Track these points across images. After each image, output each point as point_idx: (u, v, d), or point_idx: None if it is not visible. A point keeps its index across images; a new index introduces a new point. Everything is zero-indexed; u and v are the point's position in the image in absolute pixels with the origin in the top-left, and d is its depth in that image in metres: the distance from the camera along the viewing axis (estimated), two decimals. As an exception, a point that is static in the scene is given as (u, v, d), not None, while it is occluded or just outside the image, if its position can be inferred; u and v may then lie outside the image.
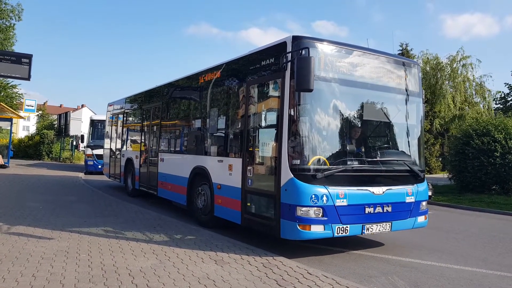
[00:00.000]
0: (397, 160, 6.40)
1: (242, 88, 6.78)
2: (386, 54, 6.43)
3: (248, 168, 6.31)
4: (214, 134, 7.72)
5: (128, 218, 7.99)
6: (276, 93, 5.84)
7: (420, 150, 6.81)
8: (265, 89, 6.23)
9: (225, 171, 6.93)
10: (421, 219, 6.51)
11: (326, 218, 5.44)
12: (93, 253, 5.31)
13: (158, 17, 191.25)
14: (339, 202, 5.53)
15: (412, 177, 6.44)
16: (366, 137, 6.39)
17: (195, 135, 8.53)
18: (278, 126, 5.72)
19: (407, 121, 6.57)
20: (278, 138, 5.68)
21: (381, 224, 5.94)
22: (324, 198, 5.43)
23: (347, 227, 5.61)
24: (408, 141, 6.64)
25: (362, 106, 6.11)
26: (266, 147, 6.00)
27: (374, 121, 6.49)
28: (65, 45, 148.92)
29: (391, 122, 6.50)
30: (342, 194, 5.56)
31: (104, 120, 16.83)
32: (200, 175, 7.99)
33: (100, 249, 5.52)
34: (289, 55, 5.58)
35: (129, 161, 12.23)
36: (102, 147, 16.50)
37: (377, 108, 6.35)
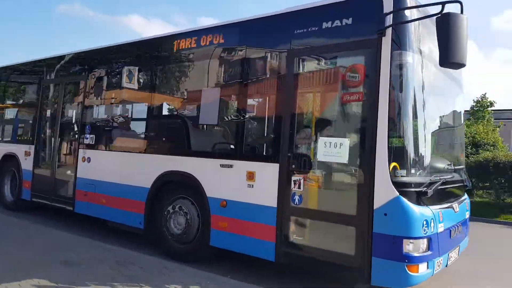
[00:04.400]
0: (461, 167, 5.23)
1: (275, 61, 4.67)
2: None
3: (294, 178, 4.29)
4: (213, 126, 5.35)
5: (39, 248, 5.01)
6: (361, 70, 4.00)
7: (463, 153, 5.81)
8: (332, 63, 4.33)
9: (239, 182, 4.72)
10: (467, 238, 5.49)
11: (430, 252, 3.86)
12: None
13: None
14: (440, 227, 4.03)
15: (464, 187, 5.35)
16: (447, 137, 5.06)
17: (167, 126, 5.92)
18: (366, 119, 3.90)
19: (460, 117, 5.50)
20: (367, 136, 3.86)
21: (455, 250, 4.66)
22: (432, 223, 3.86)
23: (441, 259, 4.13)
24: (461, 142, 5.57)
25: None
26: (337, 149, 4.06)
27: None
28: None
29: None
30: (441, 217, 4.07)
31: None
32: (174, 185, 5.52)
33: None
34: (389, 17, 3.82)
35: (9, 158, 8.45)
36: None
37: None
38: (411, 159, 3.85)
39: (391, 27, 3.79)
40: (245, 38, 4.98)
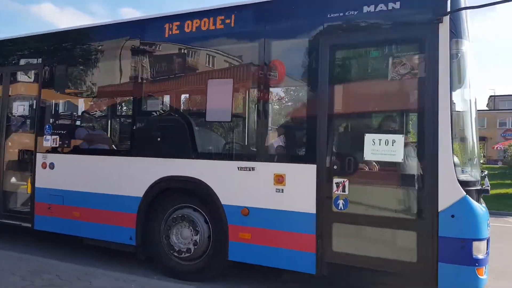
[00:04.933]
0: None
1: (303, 48, 4.12)
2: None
3: (336, 181, 3.83)
4: (226, 123, 4.63)
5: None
6: (413, 60, 3.64)
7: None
8: (375, 51, 3.91)
9: (264, 186, 4.14)
10: None
11: (487, 254, 3.67)
12: None
13: None
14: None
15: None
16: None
17: (165, 123, 5.02)
18: (424, 113, 3.55)
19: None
20: (427, 132, 3.51)
21: None
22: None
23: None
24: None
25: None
26: (388, 146, 3.64)
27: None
28: None
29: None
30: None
31: None
32: (174, 192, 4.75)
33: None
34: (448, 3, 3.50)
35: None
36: None
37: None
38: (470, 155, 3.62)
39: (449, 14, 3.49)
40: (262, 22, 4.36)
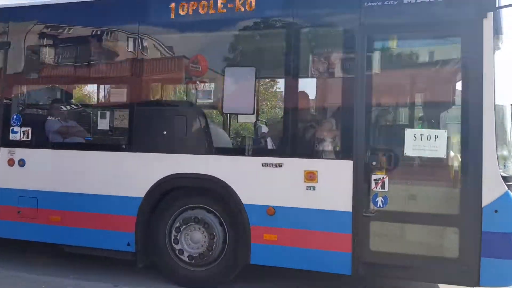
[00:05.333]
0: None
1: (334, 36, 3.89)
2: None
3: (375, 177, 3.68)
4: (247, 115, 4.22)
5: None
6: (454, 55, 3.60)
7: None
8: (414, 44, 3.81)
9: (293, 184, 3.87)
10: None
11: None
12: None
13: None
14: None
15: None
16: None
17: (171, 114, 4.43)
18: (469, 108, 3.52)
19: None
20: (470, 127, 3.48)
21: None
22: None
23: None
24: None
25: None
26: (431, 141, 3.55)
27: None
28: None
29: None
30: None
31: None
32: (181, 191, 4.27)
33: None
34: (496, -1, 3.50)
35: None
36: None
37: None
38: (509, 149, 3.68)
39: (493, 10, 3.49)
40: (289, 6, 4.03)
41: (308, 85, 4.02)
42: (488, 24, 3.48)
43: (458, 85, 3.66)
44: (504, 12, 3.65)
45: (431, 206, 3.69)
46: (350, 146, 3.76)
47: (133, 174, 4.33)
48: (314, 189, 3.83)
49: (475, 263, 3.45)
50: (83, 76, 4.88)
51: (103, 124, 4.69)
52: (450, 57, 3.68)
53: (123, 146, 4.48)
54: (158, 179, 4.23)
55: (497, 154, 3.43)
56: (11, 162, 4.75)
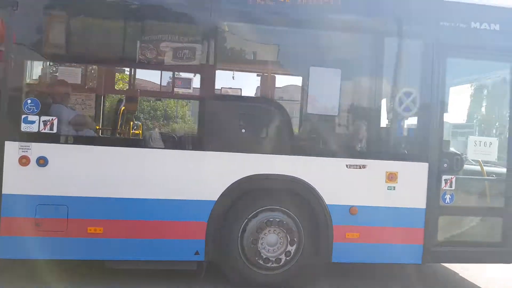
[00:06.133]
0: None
1: (416, 49, 4.19)
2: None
3: (445, 177, 4.21)
4: (332, 116, 4.12)
5: None
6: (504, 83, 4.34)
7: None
8: (480, 66, 4.37)
9: (375, 184, 4.10)
10: None
11: None
12: None
13: None
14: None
15: None
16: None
17: (254, 111, 4.03)
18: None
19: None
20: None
21: None
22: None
23: None
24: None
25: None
26: (487, 147, 4.23)
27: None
28: None
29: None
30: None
31: None
32: (256, 194, 4.04)
33: None
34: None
35: None
36: None
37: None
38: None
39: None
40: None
41: (389, 95, 4.27)
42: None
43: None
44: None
45: (487, 201, 4.43)
46: (425, 149, 4.20)
47: (205, 175, 3.89)
48: (394, 189, 4.15)
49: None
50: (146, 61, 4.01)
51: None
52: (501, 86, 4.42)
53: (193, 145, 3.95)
54: (235, 180, 3.91)
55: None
56: (24, 161, 3.66)
